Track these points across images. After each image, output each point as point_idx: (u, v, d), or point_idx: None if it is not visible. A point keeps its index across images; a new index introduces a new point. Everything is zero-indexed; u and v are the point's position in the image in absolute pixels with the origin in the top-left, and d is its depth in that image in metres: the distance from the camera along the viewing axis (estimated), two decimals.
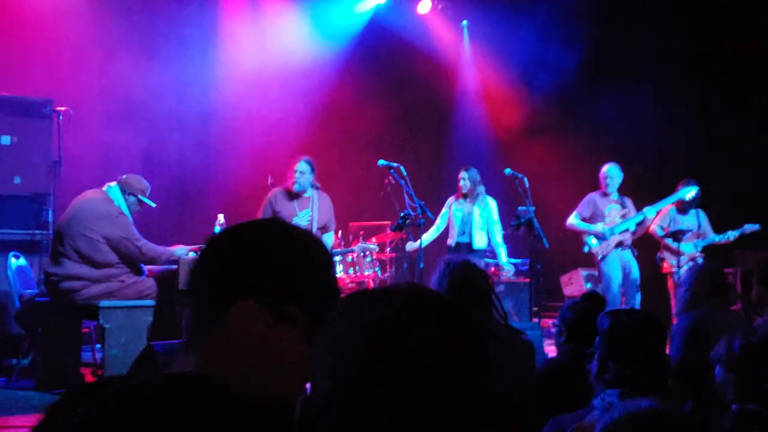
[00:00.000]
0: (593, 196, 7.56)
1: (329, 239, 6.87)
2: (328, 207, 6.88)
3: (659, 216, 7.57)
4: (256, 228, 1.30)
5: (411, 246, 7.30)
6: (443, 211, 7.66)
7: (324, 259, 1.29)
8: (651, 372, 2.30)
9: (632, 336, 2.35)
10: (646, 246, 7.74)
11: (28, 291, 6.05)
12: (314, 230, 6.73)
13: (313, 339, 1.14)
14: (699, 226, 7.57)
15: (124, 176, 5.70)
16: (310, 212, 6.75)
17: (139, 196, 5.65)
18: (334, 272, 1.30)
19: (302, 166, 6.62)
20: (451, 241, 7.50)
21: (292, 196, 6.71)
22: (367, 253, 7.08)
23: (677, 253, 7.40)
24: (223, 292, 1.19)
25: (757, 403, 2.32)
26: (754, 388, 2.36)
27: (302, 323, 1.19)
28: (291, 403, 1.20)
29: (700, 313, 3.85)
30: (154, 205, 5.77)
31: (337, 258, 8.01)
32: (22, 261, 6.27)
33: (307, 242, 1.29)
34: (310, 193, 6.78)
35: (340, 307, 1.05)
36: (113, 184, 5.64)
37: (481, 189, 7.51)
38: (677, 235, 7.35)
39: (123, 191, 5.60)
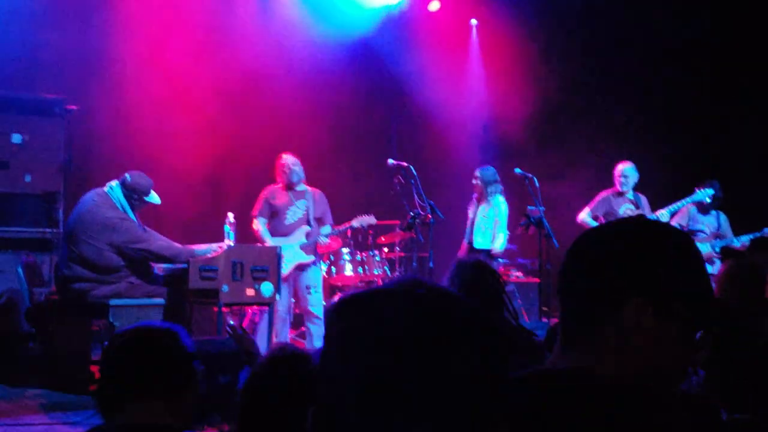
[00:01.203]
0: (608, 195, 7.51)
1: (326, 232, 6.87)
2: (322, 200, 6.96)
3: (678, 215, 7.52)
4: (635, 227, 1.33)
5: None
6: None
7: (700, 254, 1.31)
8: None
9: None
10: None
11: (39, 289, 6.07)
12: (311, 220, 6.76)
13: (693, 334, 1.21)
14: (719, 227, 7.52)
15: (127, 174, 5.56)
16: (306, 202, 6.82)
17: (144, 197, 5.56)
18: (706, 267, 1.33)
19: (290, 159, 6.81)
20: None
21: (287, 188, 6.83)
22: (366, 225, 7.05)
23: None
24: (611, 291, 1.22)
25: (746, 412, 2.23)
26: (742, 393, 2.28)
27: (686, 319, 1.22)
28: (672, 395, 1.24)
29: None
30: (158, 201, 5.70)
31: (346, 257, 8.01)
32: (32, 259, 6.29)
33: (685, 238, 1.32)
34: (303, 187, 6.89)
35: (349, 308, 1.02)
36: (114, 183, 5.54)
37: (492, 189, 7.31)
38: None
39: (125, 190, 5.51)
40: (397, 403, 0.92)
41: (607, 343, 1.21)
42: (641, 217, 1.44)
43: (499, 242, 7.31)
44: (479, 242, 7.32)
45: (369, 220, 6.93)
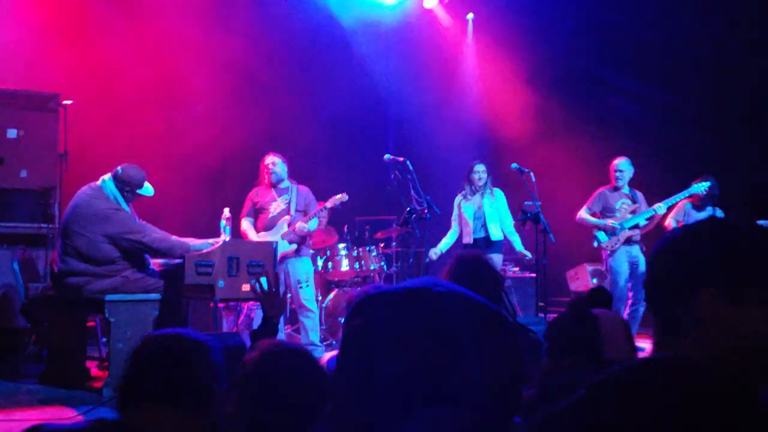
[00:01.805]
0: (603, 191, 7.52)
1: (314, 224, 6.86)
2: (306, 193, 6.99)
3: (674, 210, 7.53)
4: (702, 223, 1.37)
5: (434, 253, 7.31)
6: (454, 212, 7.61)
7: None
8: None
9: None
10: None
11: (34, 284, 6.05)
12: (293, 212, 6.77)
13: None
14: None
15: (120, 167, 5.53)
16: (289, 196, 6.86)
17: (136, 189, 5.54)
18: None
19: (271, 159, 6.88)
20: (468, 239, 7.42)
21: (271, 186, 6.89)
22: (339, 203, 6.96)
23: None
24: (685, 284, 1.28)
25: None
26: None
27: (763, 304, 1.24)
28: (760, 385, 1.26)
29: None
30: (152, 193, 5.68)
31: (343, 252, 8.00)
32: (28, 254, 6.28)
33: (750, 226, 1.34)
34: (287, 184, 6.92)
35: (369, 305, 1.00)
36: (107, 176, 5.52)
37: (490, 183, 7.52)
38: None
39: (118, 183, 5.48)
40: (417, 400, 0.91)
41: (692, 335, 1.26)
42: (712, 216, 1.47)
43: (517, 237, 7.50)
44: (495, 234, 7.38)
45: (341, 198, 6.90)
